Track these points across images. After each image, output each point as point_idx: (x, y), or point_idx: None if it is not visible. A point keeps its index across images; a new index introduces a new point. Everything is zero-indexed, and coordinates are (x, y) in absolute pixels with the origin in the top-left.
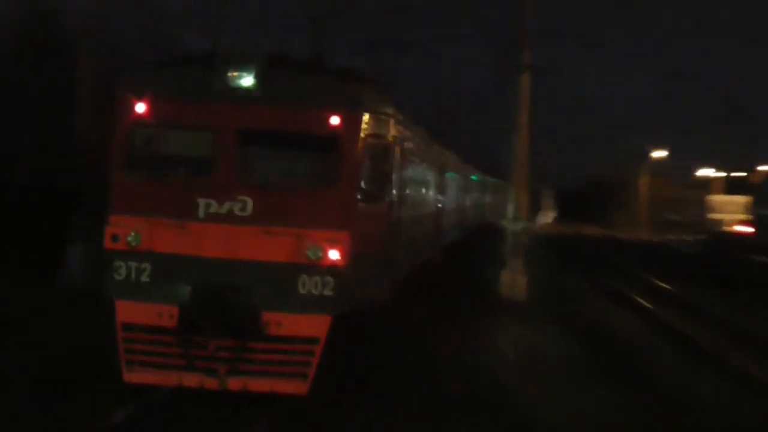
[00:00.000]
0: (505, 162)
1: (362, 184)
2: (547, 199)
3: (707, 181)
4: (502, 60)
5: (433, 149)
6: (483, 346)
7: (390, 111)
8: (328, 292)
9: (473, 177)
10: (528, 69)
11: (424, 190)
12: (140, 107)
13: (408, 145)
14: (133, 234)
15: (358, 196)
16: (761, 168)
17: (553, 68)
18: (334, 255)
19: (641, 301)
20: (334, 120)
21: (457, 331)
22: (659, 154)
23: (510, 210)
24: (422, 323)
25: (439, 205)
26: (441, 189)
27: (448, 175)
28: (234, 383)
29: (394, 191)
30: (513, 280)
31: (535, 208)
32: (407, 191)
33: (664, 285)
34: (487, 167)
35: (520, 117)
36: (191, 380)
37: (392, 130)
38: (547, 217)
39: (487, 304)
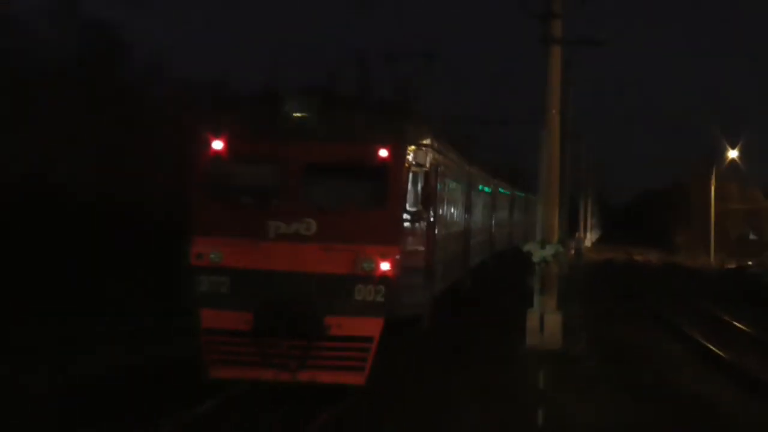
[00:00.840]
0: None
1: (407, 206)
2: (587, 217)
3: None
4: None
5: (463, 168)
6: (503, 416)
7: (428, 141)
8: (379, 299)
9: (501, 190)
10: (558, 42)
11: (453, 210)
12: (217, 144)
13: (442, 169)
14: (214, 252)
15: (404, 217)
16: None
17: (591, 39)
18: (384, 266)
19: (734, 361)
20: (383, 153)
21: (467, 386)
22: (732, 155)
23: (538, 230)
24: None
25: (467, 225)
26: (468, 208)
27: (476, 191)
28: (303, 376)
29: (432, 213)
30: (543, 322)
31: (571, 227)
32: (441, 212)
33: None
34: (520, 181)
35: (548, 108)
36: (267, 374)
37: (431, 159)
38: (588, 238)
39: (510, 351)
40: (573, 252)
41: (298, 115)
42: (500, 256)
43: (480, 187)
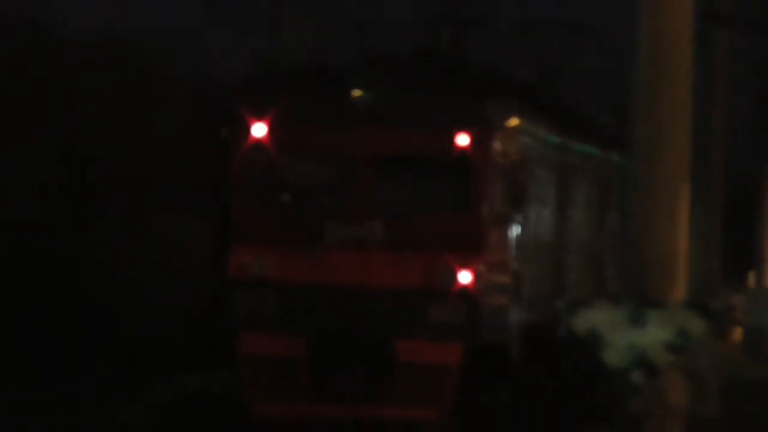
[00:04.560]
0: None
1: (494, 205)
2: None
3: None
4: None
5: (555, 147)
6: None
7: (516, 122)
8: (459, 319)
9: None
10: None
11: (547, 214)
12: (259, 130)
13: (535, 157)
14: (258, 262)
15: (489, 220)
16: None
17: None
18: (465, 279)
19: None
20: (463, 141)
21: None
22: None
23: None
24: None
25: (561, 236)
26: (563, 209)
27: (578, 181)
28: (367, 412)
29: (522, 216)
30: None
31: (736, 260)
32: (532, 215)
33: None
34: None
35: None
36: (324, 410)
37: (521, 145)
38: None
39: None
40: (740, 336)
41: (362, 95)
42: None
43: (582, 176)
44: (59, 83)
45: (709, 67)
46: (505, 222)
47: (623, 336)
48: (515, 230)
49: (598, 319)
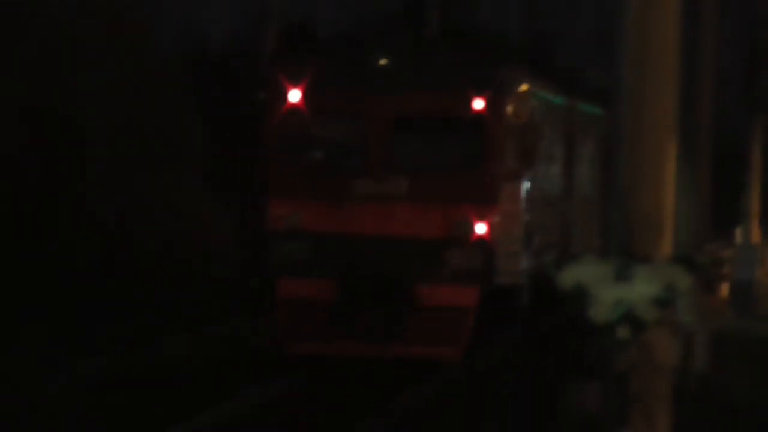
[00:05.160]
0: None
1: (507, 162)
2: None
3: None
4: None
5: (559, 108)
6: None
7: (526, 87)
8: (476, 265)
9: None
10: None
11: (555, 169)
12: (294, 94)
13: (542, 117)
14: (293, 215)
15: (502, 175)
16: None
17: None
18: (481, 229)
19: None
20: (479, 104)
21: None
22: None
23: (621, 222)
24: None
25: (568, 192)
26: (567, 166)
27: (583, 140)
28: (393, 350)
29: (533, 171)
30: None
31: (725, 213)
32: (542, 171)
33: None
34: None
35: None
36: (352, 348)
37: (530, 107)
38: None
39: None
40: (727, 292)
41: (385, 61)
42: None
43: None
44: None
45: (698, 18)
46: (517, 178)
47: (609, 291)
48: (526, 185)
49: (585, 274)
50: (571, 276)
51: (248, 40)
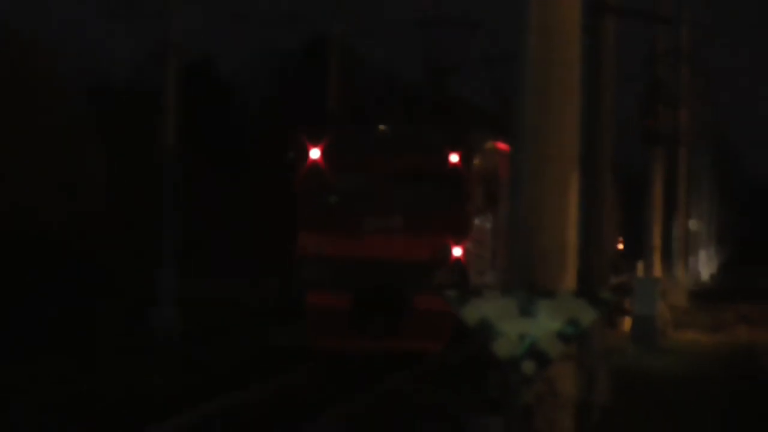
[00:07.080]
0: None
1: (476, 203)
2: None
3: None
4: None
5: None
6: None
7: (491, 144)
8: (455, 279)
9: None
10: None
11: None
12: (316, 154)
13: (501, 168)
14: (317, 244)
15: (472, 213)
16: None
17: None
18: (457, 252)
19: None
20: (454, 159)
21: None
22: None
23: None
24: None
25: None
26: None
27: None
28: (393, 344)
29: (494, 208)
30: None
31: (630, 238)
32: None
33: None
34: None
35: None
36: (364, 344)
37: (493, 160)
38: (699, 268)
39: None
40: (629, 320)
41: (384, 129)
42: None
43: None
44: None
45: (597, 56)
46: (484, 214)
47: (514, 326)
48: (490, 219)
49: (489, 309)
50: (475, 310)
51: (148, 77)
